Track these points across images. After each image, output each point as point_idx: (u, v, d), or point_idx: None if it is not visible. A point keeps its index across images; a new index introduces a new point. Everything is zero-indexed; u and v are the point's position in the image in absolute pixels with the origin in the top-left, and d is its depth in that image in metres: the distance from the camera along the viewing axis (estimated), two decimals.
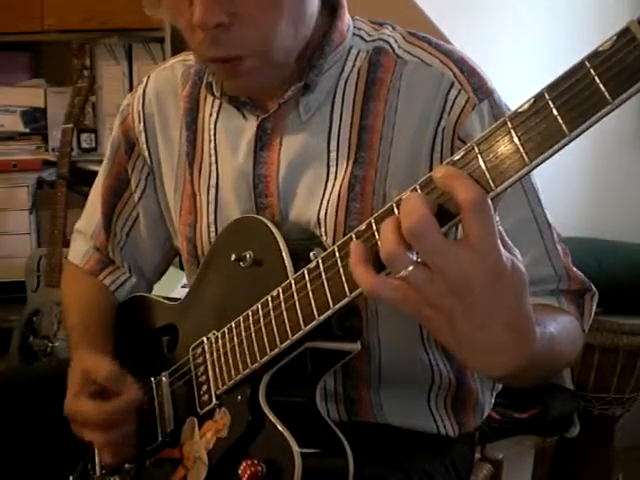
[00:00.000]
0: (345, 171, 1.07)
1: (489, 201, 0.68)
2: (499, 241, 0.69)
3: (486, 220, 0.68)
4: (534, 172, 1.04)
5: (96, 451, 1.19)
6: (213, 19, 0.95)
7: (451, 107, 1.04)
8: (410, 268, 0.70)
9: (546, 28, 2.59)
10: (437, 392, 1.16)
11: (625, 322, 2.35)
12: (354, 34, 1.11)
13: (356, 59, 1.10)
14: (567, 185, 2.69)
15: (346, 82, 1.09)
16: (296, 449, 0.92)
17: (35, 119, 3.25)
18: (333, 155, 1.08)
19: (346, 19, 1.11)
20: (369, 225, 0.76)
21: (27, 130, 3.25)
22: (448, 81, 1.04)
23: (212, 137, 1.17)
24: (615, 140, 2.81)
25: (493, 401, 1.25)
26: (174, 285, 2.13)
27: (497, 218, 0.71)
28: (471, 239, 0.68)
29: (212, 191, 1.16)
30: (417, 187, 0.73)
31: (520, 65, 2.45)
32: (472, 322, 0.71)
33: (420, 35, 1.11)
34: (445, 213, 0.70)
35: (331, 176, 1.08)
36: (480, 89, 1.04)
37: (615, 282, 2.35)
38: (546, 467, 2.36)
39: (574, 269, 1.07)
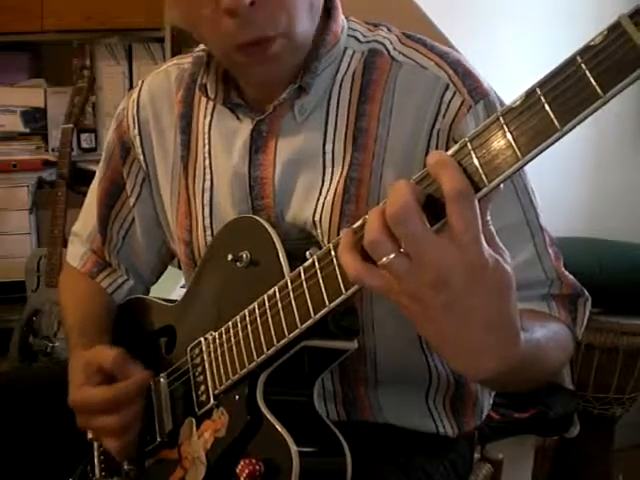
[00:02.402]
0: (340, 173, 1.07)
1: (473, 194, 0.68)
2: (482, 237, 0.69)
3: (469, 212, 0.68)
4: (530, 173, 1.05)
5: (95, 454, 1.20)
6: None
7: (446, 109, 1.03)
8: (392, 256, 0.70)
9: (546, 28, 2.59)
10: (436, 392, 1.16)
11: (625, 322, 2.35)
12: (349, 35, 1.11)
13: (351, 60, 1.09)
14: (567, 185, 2.69)
15: (341, 84, 1.09)
16: (294, 448, 0.92)
17: (35, 119, 3.25)
18: (328, 157, 1.08)
19: (340, 20, 1.11)
20: (365, 221, 0.75)
21: (27, 130, 3.25)
22: (443, 83, 1.04)
23: (206, 140, 1.17)
24: (615, 140, 2.81)
25: (492, 401, 1.25)
26: (173, 285, 2.13)
27: (489, 217, 0.71)
28: (452, 230, 0.68)
29: (207, 194, 1.16)
30: (412, 180, 0.73)
31: (520, 65, 2.44)
32: (451, 317, 0.71)
33: (416, 37, 1.11)
34: (439, 209, 0.70)
35: (327, 177, 1.08)
36: (475, 90, 1.04)
37: (615, 282, 2.35)
38: (546, 467, 2.36)
39: (566, 273, 1.07)
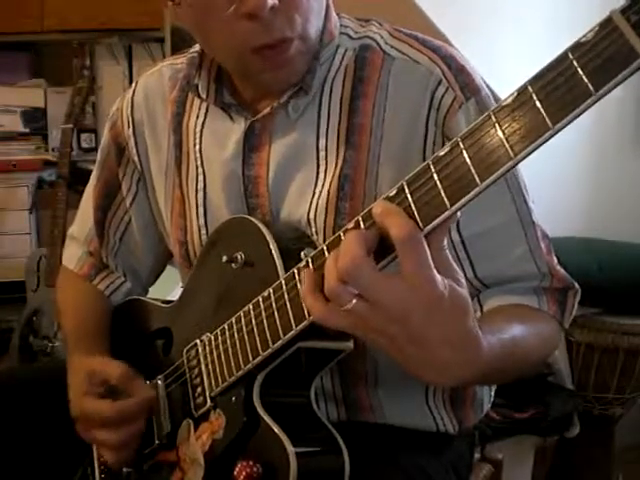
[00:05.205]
0: (334, 171, 1.06)
1: (421, 236, 0.72)
2: (434, 272, 0.72)
3: (417, 255, 0.72)
4: (529, 173, 1.05)
5: (95, 455, 1.19)
6: (269, 1, 0.95)
7: (438, 105, 1.03)
8: (353, 302, 0.74)
9: (546, 26, 2.58)
10: (435, 388, 1.15)
11: (625, 322, 2.35)
12: (341, 32, 1.11)
13: (343, 57, 1.09)
14: (567, 185, 2.69)
15: (333, 81, 1.08)
16: (291, 449, 0.92)
17: (35, 119, 3.26)
18: (322, 155, 1.07)
19: (334, 19, 1.10)
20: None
21: (27, 130, 3.26)
22: (436, 79, 1.04)
23: (197, 140, 1.17)
24: (614, 140, 2.81)
25: (493, 395, 1.24)
26: (173, 285, 2.13)
27: (444, 243, 0.74)
28: (404, 273, 0.72)
29: (200, 194, 1.16)
30: (360, 219, 0.76)
31: (520, 64, 2.44)
32: (416, 346, 0.76)
33: (407, 32, 1.11)
34: (388, 245, 0.73)
35: (320, 175, 1.07)
36: (467, 87, 1.04)
37: (615, 282, 2.35)
38: (546, 467, 2.36)
39: (557, 267, 1.08)
